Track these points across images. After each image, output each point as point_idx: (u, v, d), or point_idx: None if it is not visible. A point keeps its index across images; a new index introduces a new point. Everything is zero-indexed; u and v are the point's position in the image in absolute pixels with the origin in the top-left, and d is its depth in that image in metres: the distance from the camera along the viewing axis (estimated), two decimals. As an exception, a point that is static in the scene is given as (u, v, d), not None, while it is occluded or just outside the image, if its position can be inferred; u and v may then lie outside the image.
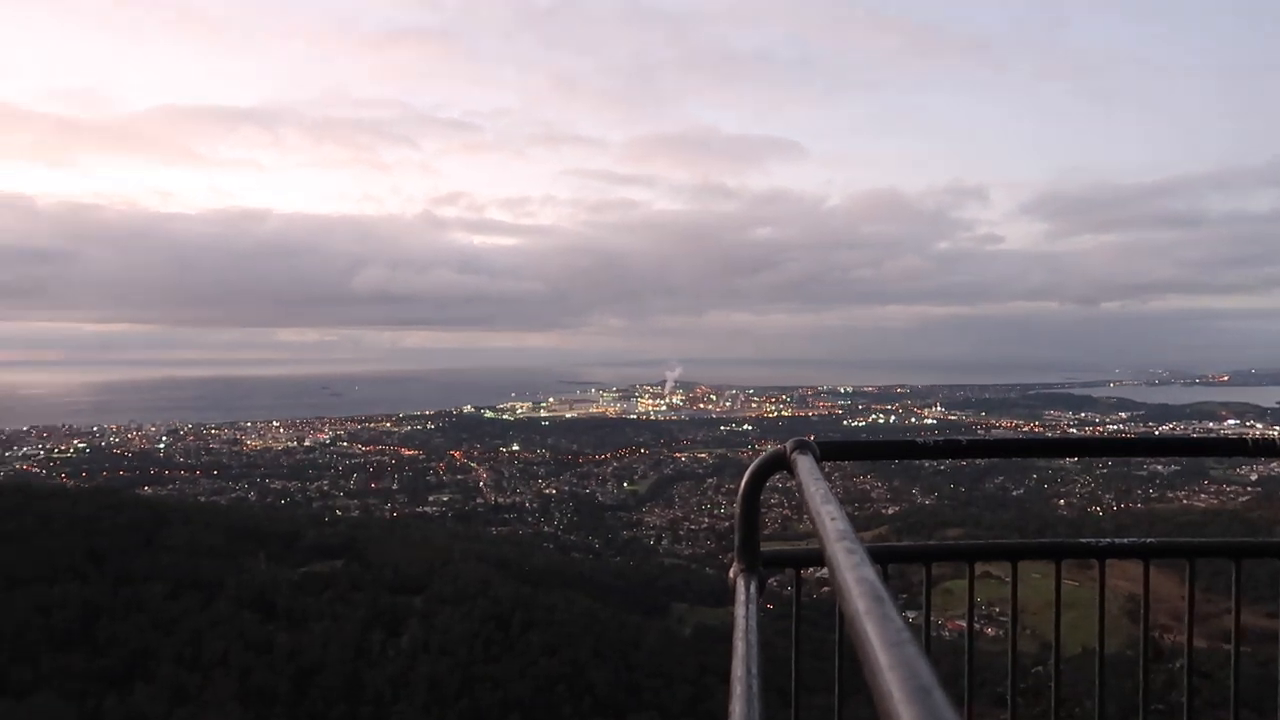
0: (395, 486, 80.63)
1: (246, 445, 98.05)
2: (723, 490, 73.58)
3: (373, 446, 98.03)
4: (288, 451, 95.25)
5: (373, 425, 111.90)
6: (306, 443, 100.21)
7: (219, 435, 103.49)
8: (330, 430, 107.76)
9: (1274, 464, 60.40)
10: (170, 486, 75.48)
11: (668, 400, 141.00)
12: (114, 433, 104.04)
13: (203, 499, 68.68)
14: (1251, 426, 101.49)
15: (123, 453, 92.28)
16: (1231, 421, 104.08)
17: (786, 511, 51.78)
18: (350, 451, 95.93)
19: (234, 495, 73.58)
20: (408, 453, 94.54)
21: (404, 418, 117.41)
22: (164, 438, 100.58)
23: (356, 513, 68.80)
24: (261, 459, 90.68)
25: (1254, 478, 67.83)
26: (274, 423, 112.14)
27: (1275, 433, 3.51)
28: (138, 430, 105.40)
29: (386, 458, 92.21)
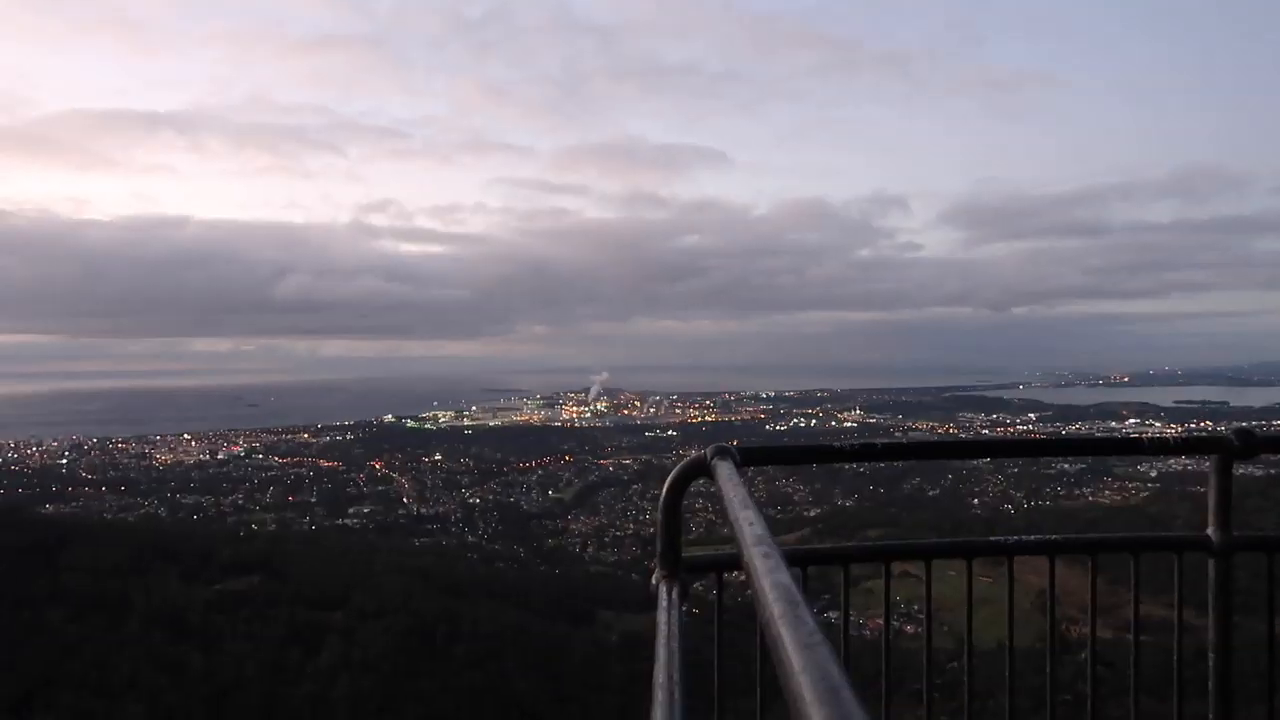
0: (314, 499, 78.66)
1: (156, 459, 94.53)
2: (647, 496, 73.72)
3: (290, 459, 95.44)
4: (200, 465, 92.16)
5: (290, 437, 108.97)
6: (220, 456, 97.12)
7: (126, 449, 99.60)
8: (245, 443, 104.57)
9: (1171, 461, 63.17)
10: (74, 504, 72.29)
11: (592, 407, 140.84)
12: (11, 449, 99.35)
13: (109, 516, 66.07)
14: (1150, 425, 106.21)
15: (22, 469, 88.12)
16: (1132, 421, 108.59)
17: (711, 516, 52.11)
18: (266, 464, 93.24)
19: (142, 511, 70.90)
20: (327, 464, 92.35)
21: (323, 428, 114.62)
22: (67, 453, 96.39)
23: (273, 527, 66.93)
24: (172, 473, 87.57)
25: (1154, 474, 70.98)
26: (185, 435, 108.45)
27: (1169, 433, 3.69)
28: (38, 446, 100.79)
29: (304, 470, 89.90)
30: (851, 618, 3.08)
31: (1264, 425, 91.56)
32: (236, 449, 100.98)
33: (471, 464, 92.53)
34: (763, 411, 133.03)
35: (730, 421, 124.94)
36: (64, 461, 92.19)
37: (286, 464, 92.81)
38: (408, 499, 79.43)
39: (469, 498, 79.66)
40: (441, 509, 76.27)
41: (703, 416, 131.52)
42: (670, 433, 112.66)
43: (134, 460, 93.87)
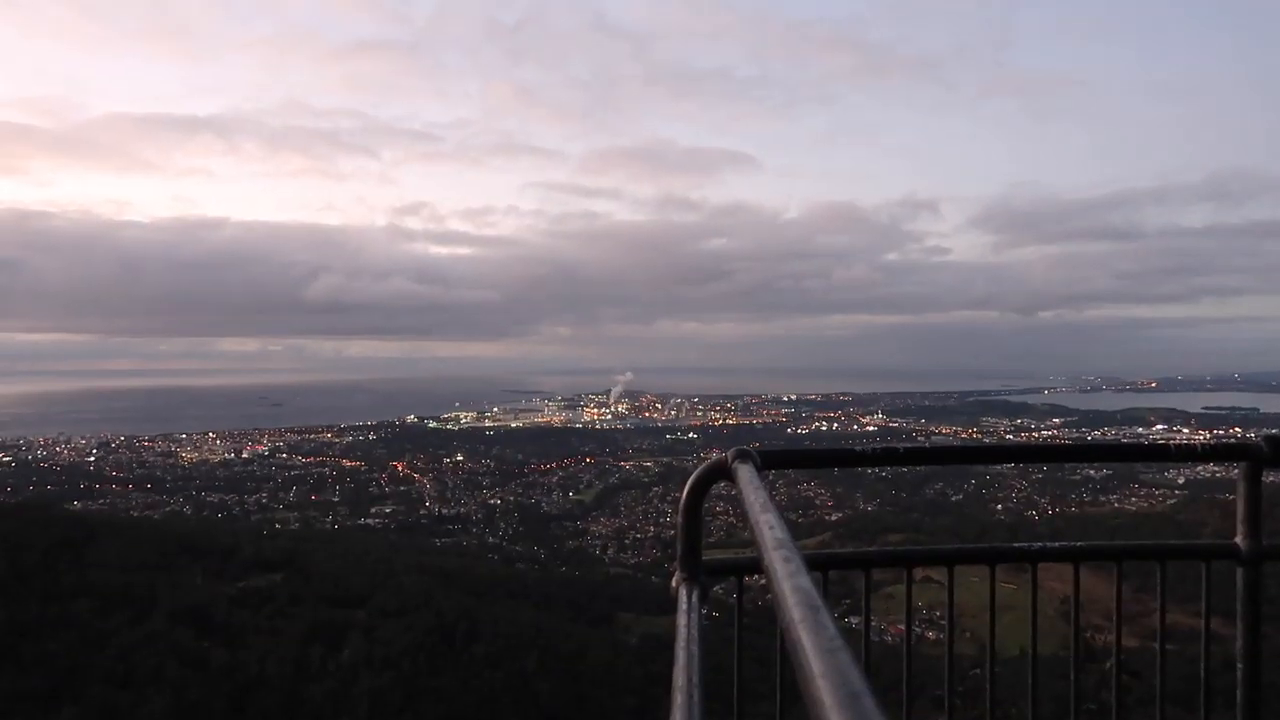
0: (336, 498, 79.28)
1: (182, 457, 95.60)
2: (668, 499, 73.67)
3: (313, 458, 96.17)
4: (225, 464, 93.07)
5: (313, 436, 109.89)
6: (245, 454, 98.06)
7: (153, 448, 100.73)
8: (269, 442, 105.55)
9: (1199, 468, 62.42)
10: (101, 501, 73.23)
11: (613, 409, 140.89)
12: (42, 446, 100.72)
13: (135, 513, 66.86)
14: (1178, 431, 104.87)
15: (51, 466, 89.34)
16: (1159, 427, 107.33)
17: (732, 519, 51.97)
18: (290, 463, 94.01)
19: (168, 509, 71.69)
20: (349, 464, 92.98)
21: (346, 428, 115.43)
22: (95, 450, 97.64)
23: (296, 525, 67.48)
24: (197, 471, 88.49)
25: (1181, 481, 70.09)
26: (210, 434, 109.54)
27: (1197, 439, 3.64)
28: (67, 443, 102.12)
29: (328, 469, 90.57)
30: (873, 623, 3.06)
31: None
32: (261, 448, 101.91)
33: (493, 465, 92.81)
34: (784, 414, 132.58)
35: (751, 424, 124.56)
36: (92, 459, 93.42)
37: (310, 463, 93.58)
38: (429, 499, 79.80)
39: (490, 499, 79.90)
40: (462, 510, 76.55)
41: (724, 419, 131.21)
42: (691, 435, 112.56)
43: (160, 458, 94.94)
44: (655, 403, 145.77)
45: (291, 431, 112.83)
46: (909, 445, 3.26)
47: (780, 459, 2.93)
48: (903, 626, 3.19)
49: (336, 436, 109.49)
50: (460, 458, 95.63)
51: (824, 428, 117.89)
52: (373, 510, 75.63)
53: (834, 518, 68.49)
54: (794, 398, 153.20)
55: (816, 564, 3.05)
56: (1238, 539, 3.21)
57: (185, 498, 76.38)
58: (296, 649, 34.09)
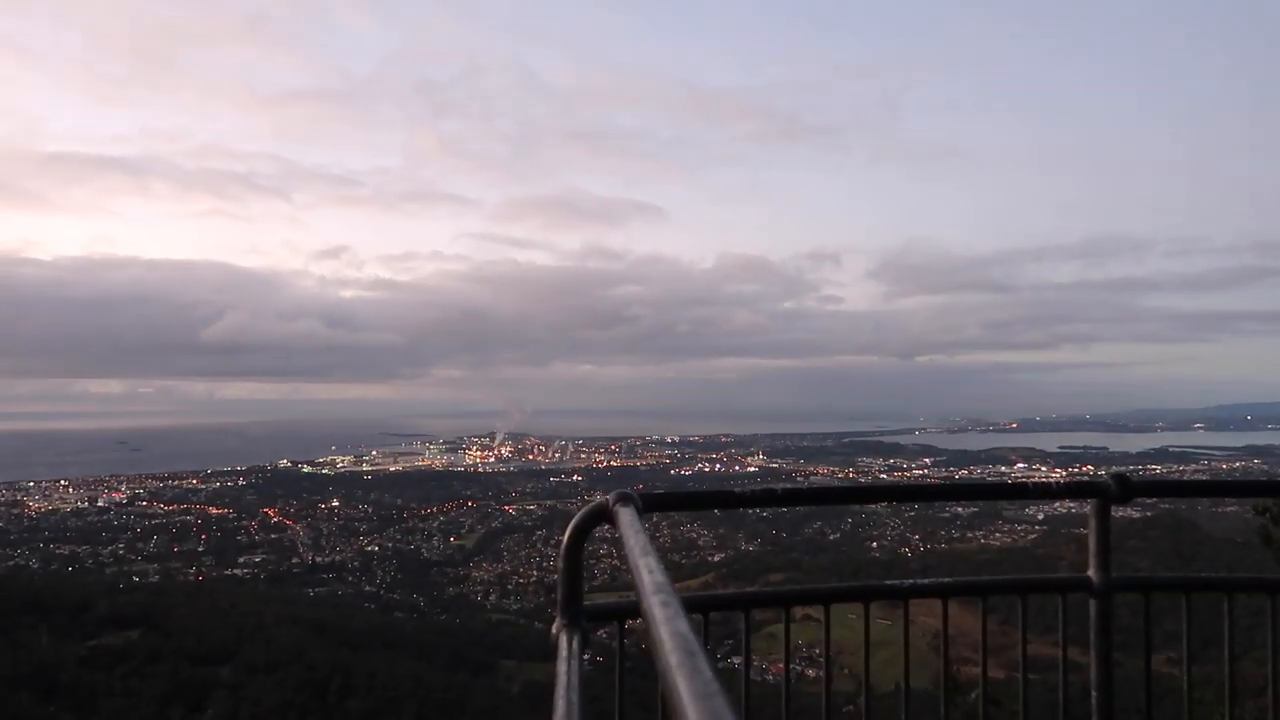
0: (201, 548, 75.32)
1: (29, 507, 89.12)
2: (551, 542, 72.90)
3: (176, 505, 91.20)
4: (77, 513, 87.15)
5: (177, 483, 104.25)
6: (100, 503, 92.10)
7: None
8: (128, 489, 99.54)
9: (1055, 504, 65.75)
10: (-66, 555, 67.53)
11: (496, 451, 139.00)
12: None
13: (-27, 568, 61.93)
14: (1037, 469, 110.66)
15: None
16: (1020, 465, 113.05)
17: (615, 561, 51.82)
18: (150, 511, 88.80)
19: (12, 563, 66.67)
20: (216, 511, 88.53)
21: (213, 474, 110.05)
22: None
23: (156, 578, 63.75)
24: (46, 522, 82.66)
25: (1040, 517, 74.02)
26: (62, 481, 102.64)
27: (1052, 478, 3.85)
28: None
29: (192, 517, 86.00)
30: (754, 663, 3.09)
31: (1139, 470, 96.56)
32: (119, 495, 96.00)
33: (370, 510, 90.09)
34: (668, 456, 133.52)
35: (636, 466, 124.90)
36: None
37: (172, 511, 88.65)
38: (302, 547, 76.71)
39: (367, 545, 77.42)
40: (338, 557, 73.91)
41: (608, 461, 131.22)
42: (575, 478, 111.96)
43: (4, 508, 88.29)
44: (540, 445, 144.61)
45: (153, 478, 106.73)
46: (787, 487, 3.34)
47: (662, 501, 2.95)
48: (782, 665, 3.24)
49: (202, 482, 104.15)
50: (336, 503, 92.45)
51: (706, 469, 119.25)
52: (241, 560, 72.16)
53: (716, 558, 69.09)
54: (677, 439, 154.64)
55: (697, 606, 3.08)
56: (1090, 572, 3.40)
57: (32, 551, 71.20)
58: (154, 711, 32.04)
